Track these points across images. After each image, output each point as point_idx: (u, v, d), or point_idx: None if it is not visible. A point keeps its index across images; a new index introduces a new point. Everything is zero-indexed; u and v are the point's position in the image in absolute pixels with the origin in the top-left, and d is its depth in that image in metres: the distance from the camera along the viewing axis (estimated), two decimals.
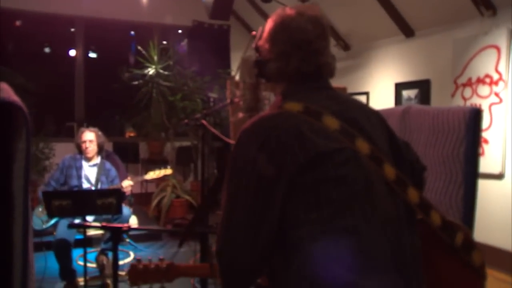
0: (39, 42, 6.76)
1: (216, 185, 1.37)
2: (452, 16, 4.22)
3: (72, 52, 6.52)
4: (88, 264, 3.33)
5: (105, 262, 3.43)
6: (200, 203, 2.66)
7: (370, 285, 0.93)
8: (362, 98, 5.48)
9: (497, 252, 3.67)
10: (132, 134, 6.73)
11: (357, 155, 1.02)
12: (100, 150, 3.71)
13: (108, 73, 6.17)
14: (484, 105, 3.94)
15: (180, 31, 6.94)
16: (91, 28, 6.47)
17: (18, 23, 6.56)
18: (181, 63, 5.85)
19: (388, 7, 4.65)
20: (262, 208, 0.98)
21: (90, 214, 3.18)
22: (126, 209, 3.51)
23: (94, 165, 3.67)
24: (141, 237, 4.48)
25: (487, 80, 3.92)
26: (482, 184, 2.06)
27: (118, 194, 2.96)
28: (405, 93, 4.88)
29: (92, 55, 6.88)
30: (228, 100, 2.40)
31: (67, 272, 3.21)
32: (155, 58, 5.67)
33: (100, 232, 3.58)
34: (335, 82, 1.19)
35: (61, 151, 5.17)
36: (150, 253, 4.16)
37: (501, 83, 3.80)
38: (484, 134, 3.88)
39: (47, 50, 6.91)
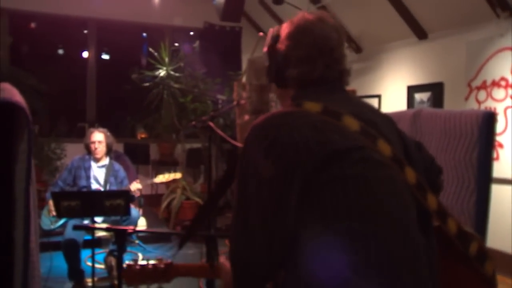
0: (52, 44, 6.85)
1: (220, 186, 1.33)
2: (467, 18, 4.15)
3: (85, 54, 6.58)
4: (97, 265, 3.34)
5: (113, 263, 3.43)
6: (202, 204, 2.64)
7: None
8: (374, 101, 5.42)
9: (511, 259, 3.58)
10: (143, 136, 6.76)
11: (379, 156, 0.98)
12: (109, 151, 3.71)
13: (120, 75, 6.21)
14: (499, 108, 3.85)
15: (191, 33, 6.96)
16: (104, 30, 6.53)
17: (32, 25, 6.66)
18: (192, 65, 5.86)
19: (400, 9, 4.60)
20: (276, 210, 0.94)
21: (98, 215, 3.18)
22: (134, 211, 3.51)
23: (102, 166, 3.68)
24: (150, 238, 4.48)
25: (503, 83, 3.84)
26: (495, 189, 2.01)
27: (127, 195, 2.96)
28: (418, 96, 4.81)
29: (105, 56, 6.94)
30: (235, 102, 2.38)
31: (75, 272, 3.21)
32: (166, 60, 5.68)
33: (109, 233, 3.59)
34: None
35: (72, 151, 5.21)
36: (159, 255, 4.15)
37: None
38: (499, 138, 3.80)
39: (60, 51, 7.00)
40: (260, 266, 0.97)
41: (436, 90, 4.57)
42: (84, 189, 3.56)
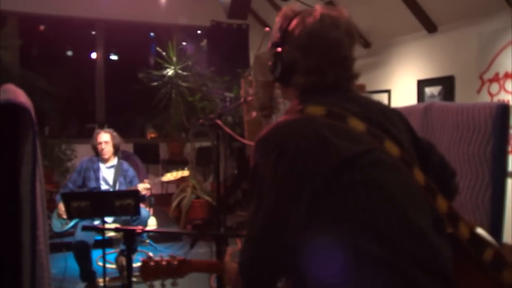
0: (61, 46, 6.90)
1: (234, 185, 1.33)
2: (477, 10, 4.08)
3: (93, 55, 6.60)
4: (108, 265, 3.35)
5: (124, 263, 3.44)
6: (216, 205, 2.63)
7: None
8: (384, 96, 5.36)
9: None
10: (153, 135, 6.77)
11: (387, 157, 0.95)
12: (116, 151, 3.71)
13: (129, 75, 6.23)
14: None
15: (199, 31, 6.95)
16: (111, 31, 6.55)
17: (41, 27, 6.71)
18: (200, 64, 5.85)
19: (409, 2, 4.53)
20: (285, 222, 0.92)
21: (108, 215, 3.19)
22: (144, 211, 3.52)
23: (111, 166, 3.68)
24: (161, 237, 4.49)
25: None
26: (511, 184, 1.96)
27: (136, 195, 2.96)
28: (428, 90, 4.74)
29: (113, 57, 6.97)
30: (242, 99, 2.36)
31: (87, 273, 3.23)
32: (174, 59, 5.67)
33: (120, 233, 3.59)
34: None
35: (82, 152, 5.23)
36: (170, 254, 4.16)
37: None
38: None
39: (69, 53, 7.04)
40: (268, 278, 0.98)
41: (447, 84, 4.50)
42: (94, 190, 3.57)
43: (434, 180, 1.04)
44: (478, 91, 4.10)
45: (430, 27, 4.64)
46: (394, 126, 1.03)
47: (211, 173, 6.52)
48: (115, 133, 3.69)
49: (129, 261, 1.73)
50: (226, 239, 2.50)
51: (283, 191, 0.92)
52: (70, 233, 3.50)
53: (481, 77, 4.08)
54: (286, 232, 0.92)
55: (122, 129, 3.79)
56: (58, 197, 3.46)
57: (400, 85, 5.17)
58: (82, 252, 3.14)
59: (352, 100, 1.04)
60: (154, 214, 4.31)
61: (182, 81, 5.60)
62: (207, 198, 5.24)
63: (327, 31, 1.03)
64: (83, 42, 6.74)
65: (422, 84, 4.83)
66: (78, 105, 7.03)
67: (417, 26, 4.70)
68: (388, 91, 5.35)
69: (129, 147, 5.62)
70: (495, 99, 3.95)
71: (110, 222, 3.56)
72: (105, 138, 3.62)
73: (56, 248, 3.41)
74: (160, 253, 4.17)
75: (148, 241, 4.29)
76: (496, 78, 3.94)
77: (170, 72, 5.73)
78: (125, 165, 3.74)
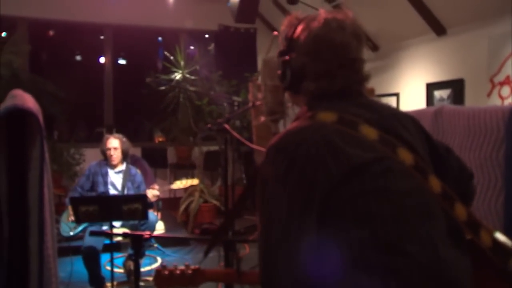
0: (70, 51, 6.96)
1: (245, 194, 1.31)
2: (487, 12, 4.04)
3: (102, 60, 6.65)
4: (116, 269, 3.35)
5: (132, 267, 3.43)
6: (228, 212, 2.62)
7: None
8: (392, 100, 5.33)
9: None
10: (161, 139, 6.79)
11: (400, 165, 0.92)
12: (125, 157, 3.72)
13: (137, 79, 6.26)
14: None
15: (206, 35, 6.97)
16: (120, 36, 6.59)
17: (50, 33, 6.77)
18: (208, 68, 5.87)
19: (417, 4, 4.50)
20: (298, 233, 0.89)
21: (116, 219, 3.19)
22: (152, 215, 3.51)
23: (119, 171, 3.69)
24: (169, 242, 4.48)
25: None
26: None
27: (144, 200, 2.96)
28: (437, 94, 4.70)
29: (121, 61, 7.01)
30: (250, 104, 2.35)
31: (96, 279, 3.22)
32: (182, 63, 5.69)
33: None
34: None
35: (91, 156, 5.25)
36: (178, 258, 4.15)
37: None
38: None
39: (78, 58, 7.10)
40: (291, 285, 0.92)
41: (456, 87, 4.46)
42: (103, 195, 3.57)
43: (452, 183, 1.01)
44: (489, 94, 4.06)
45: (439, 29, 4.60)
46: (407, 131, 1.01)
47: (219, 177, 6.52)
48: (124, 139, 3.69)
49: (137, 266, 1.72)
50: (234, 244, 2.49)
51: (294, 200, 0.89)
52: (78, 237, 3.50)
53: (491, 80, 4.04)
54: (298, 241, 0.89)
55: (130, 133, 3.80)
56: (67, 200, 3.48)
57: (409, 88, 5.14)
58: (91, 258, 3.14)
59: (363, 106, 1.02)
60: (162, 218, 4.31)
61: (190, 85, 5.61)
62: (215, 202, 5.23)
63: (333, 34, 1.02)
64: (92, 46, 6.78)
65: (431, 88, 4.79)
66: (86, 109, 7.07)
67: (425, 29, 4.67)
68: (397, 95, 5.31)
69: (137, 151, 5.64)
70: (506, 102, 3.90)
71: (118, 226, 3.56)
72: (114, 144, 3.62)
73: (64, 252, 3.41)
74: (166, 258, 4.17)
75: (156, 245, 4.29)
76: (507, 81, 3.90)
77: (178, 76, 5.75)
78: (133, 170, 3.74)
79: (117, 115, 6.55)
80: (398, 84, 5.31)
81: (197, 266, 1.40)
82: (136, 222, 3.35)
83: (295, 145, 0.93)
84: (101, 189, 3.59)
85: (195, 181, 3.72)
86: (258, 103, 2.19)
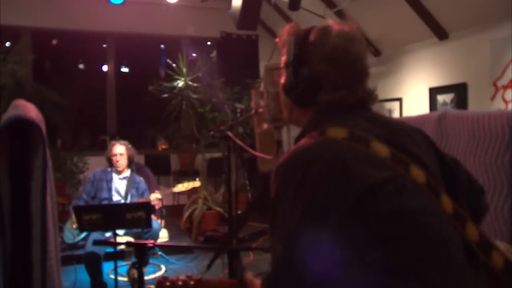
0: (73, 59, 7.00)
1: (249, 211, 1.30)
2: (489, 16, 4.03)
3: (105, 68, 6.68)
4: (120, 278, 3.34)
5: (136, 275, 3.42)
6: (234, 223, 2.60)
7: None
8: (395, 105, 5.32)
9: None
10: (164, 146, 6.80)
11: (413, 185, 0.89)
12: (130, 163, 3.73)
13: (140, 87, 6.28)
14: None
15: (208, 43, 7.00)
16: (122, 44, 6.62)
17: (54, 42, 6.82)
18: (210, 75, 5.88)
19: (419, 9, 4.50)
20: (309, 255, 0.86)
21: (120, 228, 3.18)
22: (156, 223, 3.50)
23: (124, 178, 3.70)
24: (172, 249, 4.46)
25: None
26: None
27: (148, 208, 2.95)
28: (440, 98, 4.69)
29: (124, 69, 7.04)
30: (253, 111, 2.35)
31: (98, 285, 3.22)
32: (184, 70, 5.70)
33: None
34: None
35: (94, 164, 5.26)
36: (182, 266, 4.13)
37: None
38: None
39: (81, 66, 7.14)
40: None
41: (459, 91, 4.45)
42: (106, 201, 3.58)
43: (464, 199, 0.98)
44: (492, 98, 4.04)
45: (441, 34, 4.60)
46: (417, 146, 0.98)
47: (222, 184, 6.51)
48: (130, 145, 3.72)
49: (141, 274, 1.71)
50: (238, 252, 2.47)
51: (306, 221, 0.86)
52: (81, 245, 3.50)
53: (494, 84, 4.03)
54: (309, 262, 0.86)
55: (133, 141, 3.81)
56: (71, 208, 3.49)
57: (412, 93, 5.13)
58: (93, 264, 3.14)
59: (371, 120, 0.99)
60: (166, 226, 4.30)
61: (192, 93, 5.62)
62: (218, 209, 5.21)
63: (349, 45, 1.00)
64: (95, 55, 6.82)
65: (434, 92, 4.78)
66: (89, 117, 7.10)
67: (427, 34, 4.67)
68: (400, 100, 5.30)
69: (140, 159, 5.64)
70: (510, 106, 3.88)
71: (121, 234, 3.55)
72: (120, 150, 3.64)
73: (67, 260, 3.41)
74: (170, 266, 4.15)
75: (159, 253, 4.27)
76: (510, 85, 3.88)
77: (180, 83, 5.76)
78: (138, 178, 3.76)
79: (120, 122, 6.57)
80: (401, 89, 5.30)
81: (199, 276, 1.38)
82: (139, 230, 3.34)
83: (305, 163, 0.89)
84: (104, 195, 3.60)
85: (196, 184, 3.72)
86: (260, 110, 2.18)
